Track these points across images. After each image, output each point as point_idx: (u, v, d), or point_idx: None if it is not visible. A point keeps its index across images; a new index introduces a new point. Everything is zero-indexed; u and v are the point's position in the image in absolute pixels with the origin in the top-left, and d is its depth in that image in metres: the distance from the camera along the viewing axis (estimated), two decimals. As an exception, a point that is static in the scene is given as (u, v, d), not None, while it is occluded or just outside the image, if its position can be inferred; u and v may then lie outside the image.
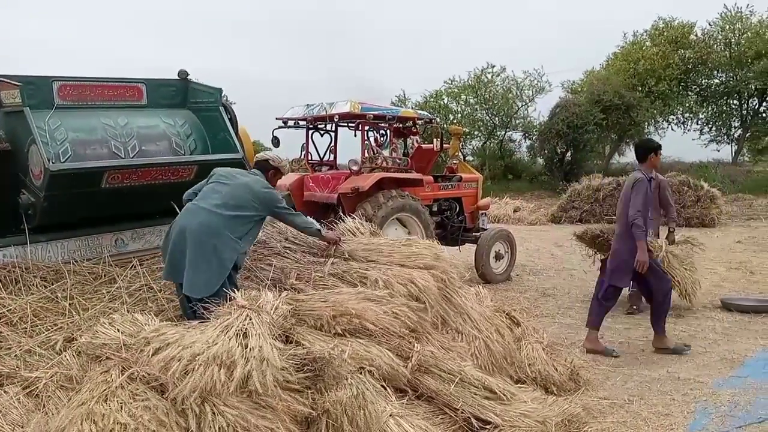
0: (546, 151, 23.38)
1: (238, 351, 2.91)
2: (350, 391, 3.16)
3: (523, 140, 25.66)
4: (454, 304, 4.67)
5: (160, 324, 3.22)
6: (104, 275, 4.61)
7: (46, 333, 3.84)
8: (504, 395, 3.88)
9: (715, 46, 25.49)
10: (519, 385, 4.27)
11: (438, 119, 9.89)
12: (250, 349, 2.93)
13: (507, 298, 7.41)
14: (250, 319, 3.25)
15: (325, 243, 4.81)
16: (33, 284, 4.32)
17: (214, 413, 2.74)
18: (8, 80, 4.58)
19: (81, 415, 2.67)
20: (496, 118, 24.78)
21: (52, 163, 4.33)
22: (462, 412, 3.74)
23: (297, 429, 2.94)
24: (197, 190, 4.25)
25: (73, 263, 4.64)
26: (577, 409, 4.09)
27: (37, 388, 3.31)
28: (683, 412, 4.33)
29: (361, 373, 3.41)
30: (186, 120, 5.59)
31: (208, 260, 3.85)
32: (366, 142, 7.71)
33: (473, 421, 3.72)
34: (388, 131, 8.01)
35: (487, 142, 25.54)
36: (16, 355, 3.61)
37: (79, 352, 3.48)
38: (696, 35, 25.61)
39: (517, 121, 24.81)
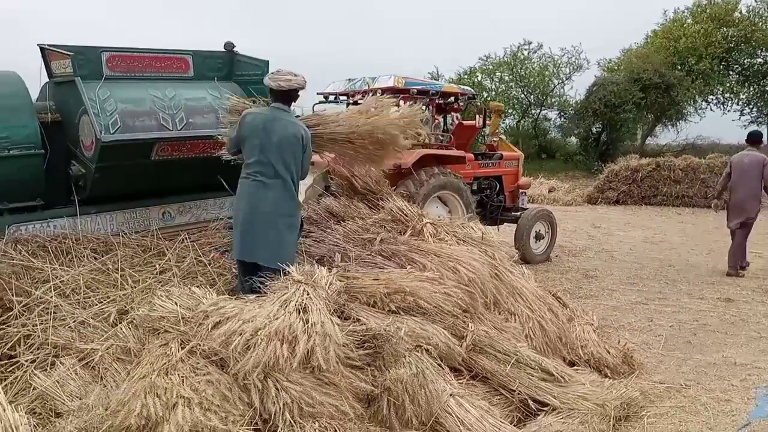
0: (581, 131, 22.89)
1: (300, 326, 2.85)
2: (410, 369, 3.09)
3: (559, 119, 25.19)
4: (505, 283, 4.57)
5: (218, 297, 3.18)
6: (153, 248, 4.61)
7: (99, 305, 3.84)
8: (562, 377, 3.78)
9: (761, 23, 24.51)
10: (575, 367, 4.16)
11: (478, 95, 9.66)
12: (312, 325, 2.87)
13: (549, 279, 7.27)
14: (308, 294, 3.19)
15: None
16: (83, 256, 4.33)
17: (277, 389, 2.69)
18: (60, 50, 4.54)
19: (143, 389, 2.64)
20: (532, 96, 24.33)
21: (104, 134, 4.30)
22: (519, 394, 3.66)
23: (360, 407, 2.88)
24: (239, 144, 4.12)
25: (122, 235, 4.64)
26: (635, 393, 3.99)
27: (92, 360, 3.30)
28: (743, 398, 4.19)
29: (418, 351, 3.35)
30: (232, 92, 5.51)
31: (281, 231, 3.98)
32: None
33: (530, 402, 3.65)
34: (430, 107, 7.84)
35: (521, 121, 25.14)
36: (70, 327, 3.61)
37: (134, 324, 3.47)
38: (740, 12, 24.70)
39: (553, 100, 24.32)
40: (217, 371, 2.79)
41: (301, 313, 2.98)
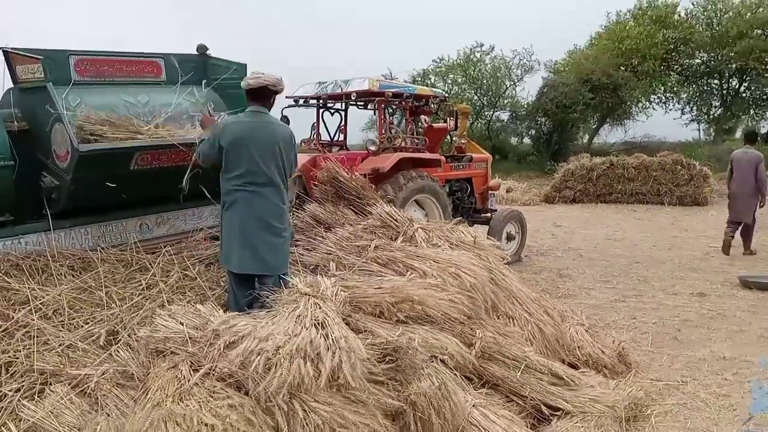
0: (533, 132, 23.32)
1: (322, 342, 2.70)
2: (432, 381, 2.98)
3: (512, 121, 25.53)
4: (501, 287, 4.51)
5: (227, 315, 2.99)
6: (134, 262, 4.35)
7: (86, 326, 3.58)
8: (571, 380, 3.75)
9: (698, 26, 25.60)
10: (581, 370, 4.13)
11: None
12: (335, 340, 2.73)
13: (525, 280, 7.27)
14: (320, 307, 3.05)
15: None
16: (61, 274, 4.05)
17: (305, 410, 2.54)
18: (27, 54, 4.24)
19: (161, 417, 2.44)
20: (485, 98, 24.63)
21: (81, 143, 4.03)
22: (531, 399, 3.60)
23: (389, 424, 2.75)
24: (218, 155, 3.90)
25: (99, 250, 4.37)
26: (640, 393, 3.99)
27: (87, 386, 3.06)
28: (740, 392, 4.27)
29: (434, 362, 3.24)
30: (207, 97, 5.29)
31: (280, 238, 3.89)
32: (384, 121, 7.46)
33: (543, 408, 3.59)
34: (403, 110, 7.76)
35: (475, 122, 25.39)
36: (57, 352, 3.35)
37: (131, 346, 3.25)
38: (679, 15, 25.70)
39: (505, 101, 24.70)
40: (238, 395, 2.61)
41: (320, 328, 2.83)
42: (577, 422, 3.49)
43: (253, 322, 2.91)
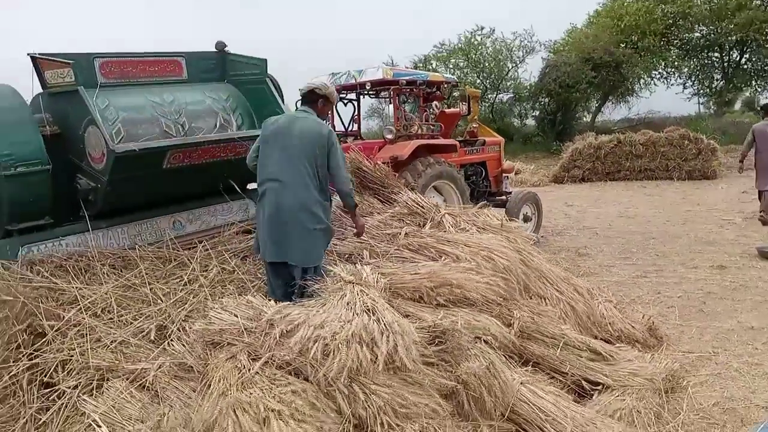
0: (537, 112, 23.30)
1: (376, 327, 2.78)
2: (481, 361, 3.06)
3: (515, 103, 25.48)
4: (532, 268, 4.59)
5: (280, 305, 3.08)
6: (173, 259, 4.43)
7: (135, 323, 3.67)
8: (610, 356, 3.83)
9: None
10: (618, 345, 4.21)
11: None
12: (386, 325, 2.81)
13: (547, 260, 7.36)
14: (366, 294, 3.13)
15: (352, 224, 4.57)
16: (104, 273, 4.13)
17: (365, 393, 2.62)
18: (56, 59, 4.30)
19: (228, 405, 2.53)
20: (487, 81, 24.60)
21: (116, 144, 4.10)
22: (572, 376, 3.69)
23: (445, 403, 2.83)
24: (257, 151, 4.07)
25: (138, 249, 4.45)
26: (675, 365, 4.08)
27: (145, 380, 3.15)
28: (771, 360, 4.35)
29: (479, 343, 3.33)
30: (229, 94, 5.35)
31: (309, 229, 3.88)
32: (398, 109, 7.51)
33: (584, 383, 3.68)
34: (417, 97, 7.82)
35: (478, 106, 25.37)
36: (110, 348, 3.44)
37: (183, 339, 3.34)
38: (677, -12, 25.53)
39: (508, 83, 24.67)
40: (298, 381, 2.70)
41: (371, 313, 2.92)
42: (618, 395, 3.58)
43: (305, 311, 2.99)
